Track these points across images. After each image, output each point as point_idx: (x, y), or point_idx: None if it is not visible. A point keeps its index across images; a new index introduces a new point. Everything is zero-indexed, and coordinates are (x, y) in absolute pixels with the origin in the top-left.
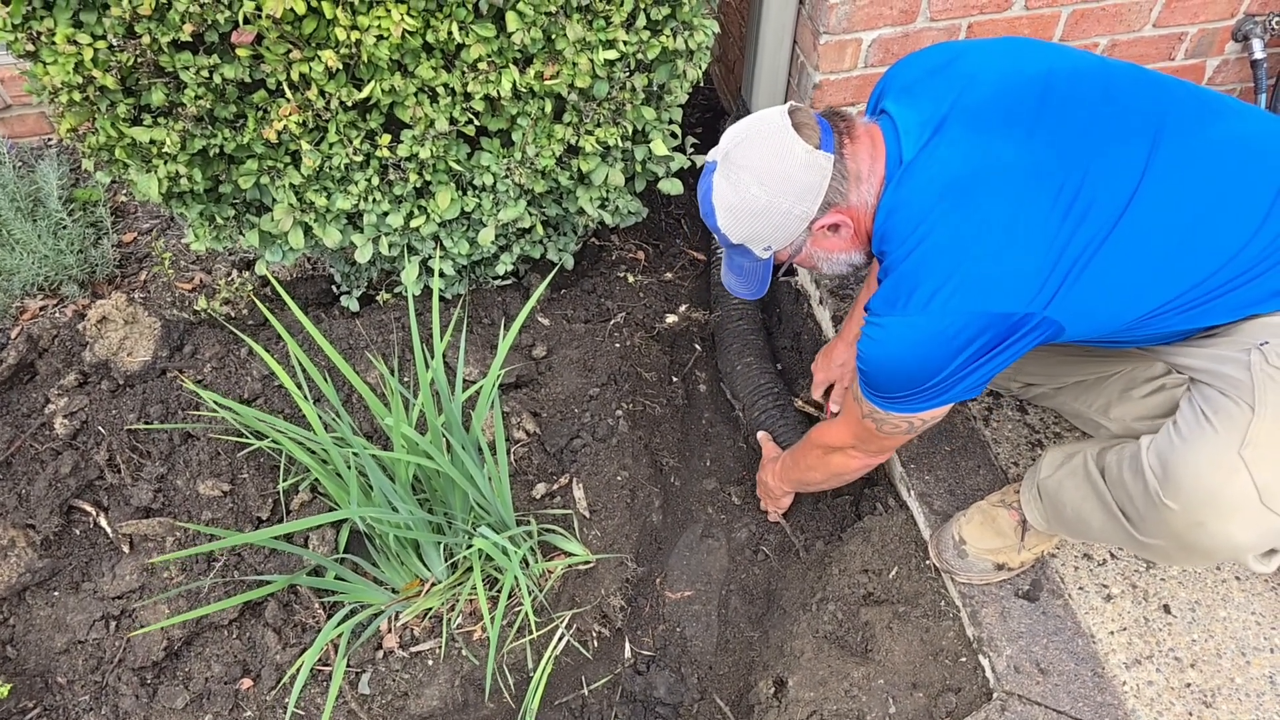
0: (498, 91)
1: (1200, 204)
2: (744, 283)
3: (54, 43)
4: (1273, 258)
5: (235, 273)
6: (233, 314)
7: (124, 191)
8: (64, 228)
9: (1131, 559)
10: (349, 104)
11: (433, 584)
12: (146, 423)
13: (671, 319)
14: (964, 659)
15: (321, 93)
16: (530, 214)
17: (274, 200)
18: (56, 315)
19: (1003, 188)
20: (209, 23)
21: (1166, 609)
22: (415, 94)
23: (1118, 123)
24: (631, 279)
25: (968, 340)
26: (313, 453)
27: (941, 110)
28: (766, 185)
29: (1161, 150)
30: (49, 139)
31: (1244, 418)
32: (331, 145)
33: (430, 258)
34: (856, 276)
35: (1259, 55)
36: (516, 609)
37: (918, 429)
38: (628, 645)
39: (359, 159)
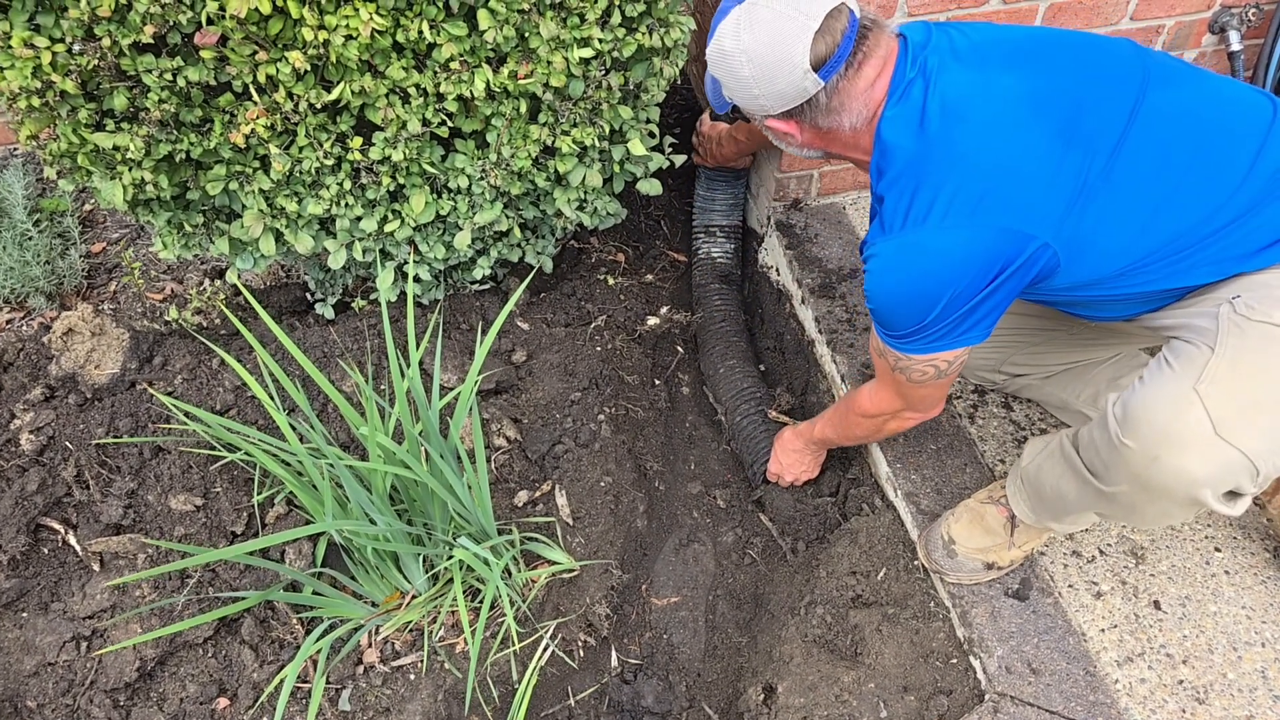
0: (471, 92)
1: (1187, 150)
2: (713, 93)
3: (10, 46)
4: (1255, 207)
5: (207, 282)
6: (204, 324)
7: (92, 201)
8: (30, 239)
9: (1120, 555)
10: (318, 106)
11: (413, 596)
12: (115, 437)
13: (653, 321)
14: (955, 660)
15: (290, 95)
16: (507, 217)
17: (243, 206)
18: (22, 328)
19: (1000, 110)
20: (171, 24)
21: (1157, 605)
22: (386, 95)
23: (1105, 68)
24: (612, 281)
25: (965, 256)
26: (287, 465)
27: (937, 53)
28: (754, 65)
29: (1149, 95)
30: (13, 149)
31: (1202, 358)
32: (301, 149)
33: (405, 263)
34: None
35: (1236, 47)
36: (500, 620)
37: (945, 374)
38: (614, 654)
39: (330, 163)
